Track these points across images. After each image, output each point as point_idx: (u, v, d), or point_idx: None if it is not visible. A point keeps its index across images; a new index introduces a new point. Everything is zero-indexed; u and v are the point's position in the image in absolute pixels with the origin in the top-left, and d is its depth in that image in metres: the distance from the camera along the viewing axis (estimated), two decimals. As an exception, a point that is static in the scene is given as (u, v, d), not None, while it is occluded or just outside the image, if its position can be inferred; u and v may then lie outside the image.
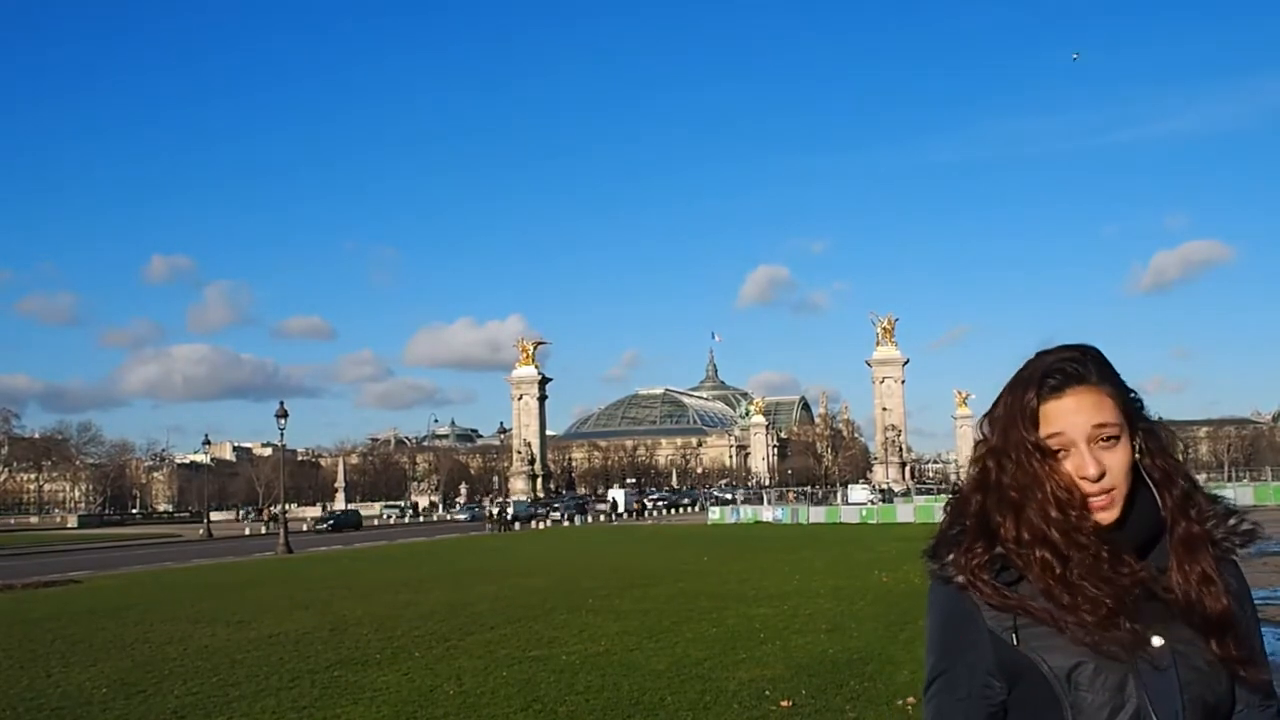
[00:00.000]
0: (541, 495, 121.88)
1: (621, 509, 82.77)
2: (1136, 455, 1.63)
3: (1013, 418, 1.64)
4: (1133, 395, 1.67)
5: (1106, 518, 1.59)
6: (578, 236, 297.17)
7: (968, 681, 1.61)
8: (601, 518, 78.11)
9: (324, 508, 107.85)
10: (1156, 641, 1.56)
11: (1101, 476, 1.58)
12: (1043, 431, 1.61)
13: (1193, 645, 1.57)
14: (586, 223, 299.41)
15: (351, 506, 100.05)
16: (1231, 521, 1.67)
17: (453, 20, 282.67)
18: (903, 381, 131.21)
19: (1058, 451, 1.61)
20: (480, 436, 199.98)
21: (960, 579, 1.63)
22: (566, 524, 69.29)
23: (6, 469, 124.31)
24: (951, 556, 1.66)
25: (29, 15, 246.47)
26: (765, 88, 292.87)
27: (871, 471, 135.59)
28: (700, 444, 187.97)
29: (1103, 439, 1.59)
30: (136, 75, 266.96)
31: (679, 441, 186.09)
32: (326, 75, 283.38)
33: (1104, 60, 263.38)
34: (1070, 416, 1.60)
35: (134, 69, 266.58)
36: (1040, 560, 1.58)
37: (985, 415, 1.73)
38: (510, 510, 73.05)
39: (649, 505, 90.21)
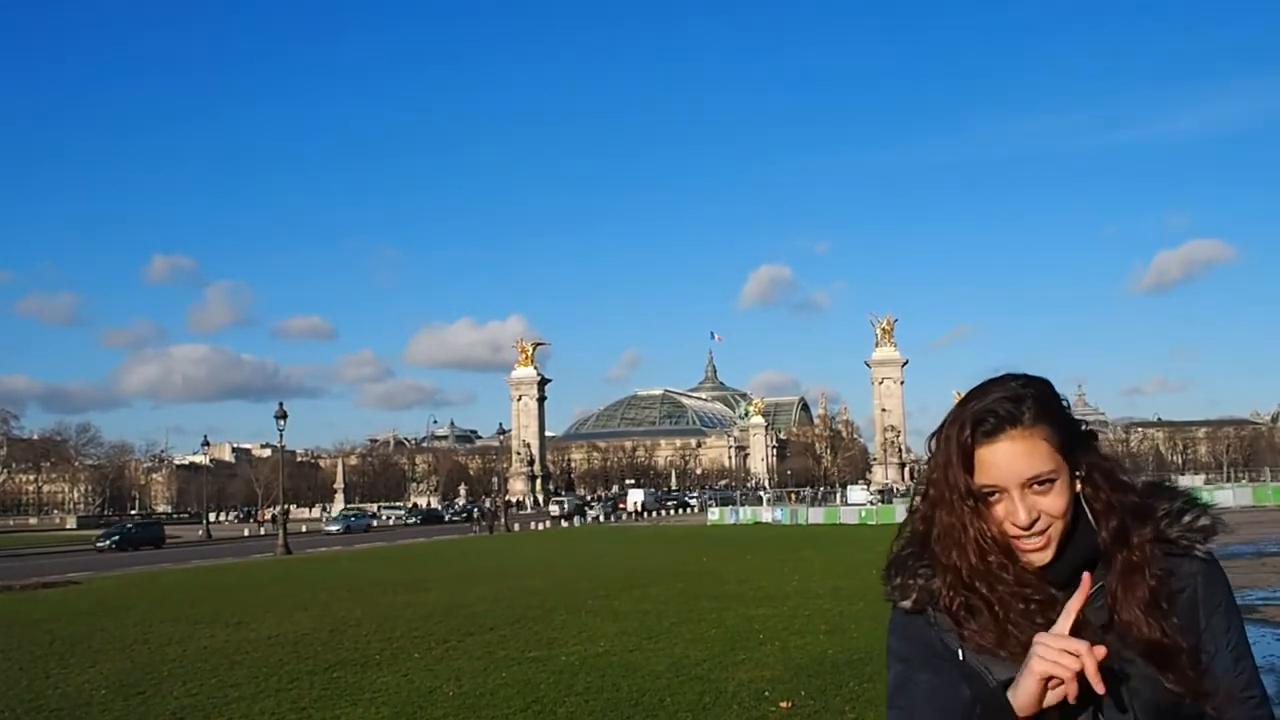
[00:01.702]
0: (541, 496, 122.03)
1: (642, 509, 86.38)
2: (1078, 489, 1.62)
3: (948, 459, 1.63)
4: (1084, 428, 1.65)
5: (1040, 558, 1.59)
6: (579, 237, 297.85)
7: (931, 660, 1.63)
8: (625, 517, 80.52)
9: (324, 509, 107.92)
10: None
11: (1034, 522, 1.57)
12: (977, 478, 1.60)
13: (1142, 665, 1.55)
14: (588, 223, 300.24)
15: (354, 507, 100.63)
16: (1186, 518, 1.63)
17: (455, 22, 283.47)
18: (902, 382, 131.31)
19: (991, 494, 1.60)
20: (479, 437, 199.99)
21: (906, 604, 1.68)
22: (565, 524, 69.31)
23: (5, 470, 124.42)
24: (898, 581, 1.70)
25: (30, 16, 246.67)
26: (767, 88, 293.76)
27: (871, 472, 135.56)
28: (699, 445, 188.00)
29: (1038, 486, 1.58)
30: (137, 76, 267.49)
31: (678, 442, 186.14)
32: (328, 76, 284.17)
33: (1104, 60, 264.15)
34: (1003, 463, 1.58)
35: (134, 69, 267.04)
36: (970, 603, 1.60)
37: (931, 436, 1.71)
38: (565, 507, 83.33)
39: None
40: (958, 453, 1.61)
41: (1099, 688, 1.42)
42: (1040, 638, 1.46)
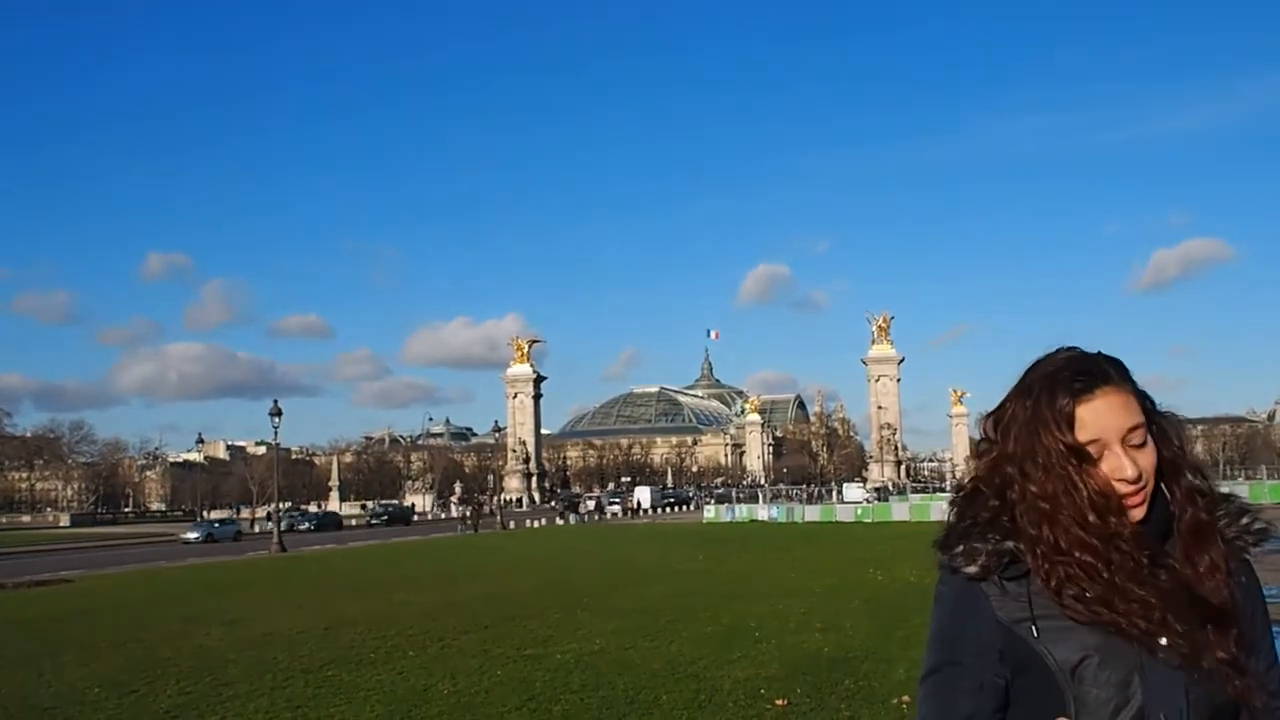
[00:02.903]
0: (537, 494, 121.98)
1: (648, 506, 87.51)
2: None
3: (1043, 422, 1.60)
4: (1151, 402, 1.66)
5: (1139, 514, 1.59)
6: (577, 235, 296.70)
7: (979, 672, 1.59)
8: (614, 516, 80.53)
9: (318, 507, 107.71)
10: (1163, 640, 1.54)
11: (1139, 478, 1.57)
12: (1077, 435, 1.59)
13: (1200, 644, 1.54)
14: (586, 221, 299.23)
15: (331, 508, 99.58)
16: (1244, 520, 1.65)
17: (450, 19, 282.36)
18: (898, 380, 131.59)
19: (1093, 455, 1.59)
20: (475, 435, 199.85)
21: (971, 570, 1.62)
22: (560, 522, 69.32)
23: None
24: (962, 548, 1.64)
25: (26, 13, 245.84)
26: (768, 86, 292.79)
27: (867, 470, 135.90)
28: (695, 443, 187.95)
29: (1135, 444, 1.58)
30: (134, 73, 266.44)
31: (674, 440, 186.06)
32: (324, 73, 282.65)
33: (1103, 59, 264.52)
34: (1104, 418, 1.58)
35: (131, 67, 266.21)
36: (1083, 565, 1.56)
37: (991, 416, 1.70)
38: (592, 504, 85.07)
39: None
40: (1055, 413, 1.60)
41: None
42: None
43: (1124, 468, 1.57)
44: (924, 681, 1.64)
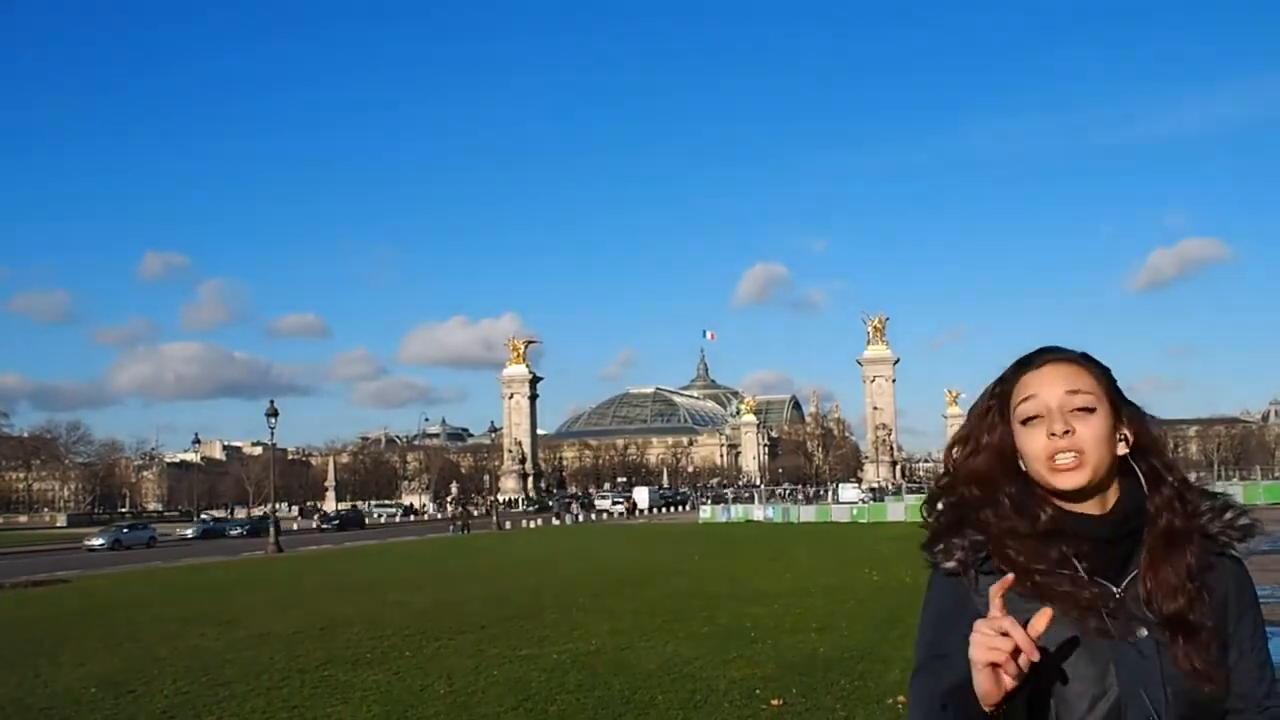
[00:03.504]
0: (533, 494, 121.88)
1: (645, 506, 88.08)
2: (1124, 449, 1.63)
3: (987, 400, 1.69)
4: (1118, 388, 1.68)
5: (1072, 480, 1.58)
6: (574, 235, 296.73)
7: (964, 666, 1.60)
8: (607, 516, 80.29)
9: (315, 507, 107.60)
10: (1141, 632, 1.56)
11: (1069, 433, 1.58)
12: (1018, 396, 1.64)
13: (1169, 643, 1.56)
14: (583, 221, 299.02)
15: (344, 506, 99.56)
16: (1228, 515, 1.65)
17: (448, 18, 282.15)
18: (893, 380, 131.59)
19: (1030, 419, 1.62)
20: (471, 435, 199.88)
21: (949, 565, 1.65)
22: (557, 522, 69.31)
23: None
24: (941, 545, 1.68)
25: (25, 12, 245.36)
26: (767, 86, 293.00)
27: (862, 470, 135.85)
28: (691, 443, 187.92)
29: (1077, 407, 1.60)
30: (132, 72, 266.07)
31: (670, 440, 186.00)
32: (321, 74, 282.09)
33: (1101, 59, 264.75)
34: (1046, 383, 1.62)
35: (129, 66, 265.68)
36: (1008, 560, 1.60)
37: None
38: (630, 503, 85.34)
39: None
40: (993, 389, 1.69)
41: (1032, 655, 1.40)
42: (976, 624, 1.45)
43: (1054, 423, 1.59)
44: (914, 677, 1.67)
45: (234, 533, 67.42)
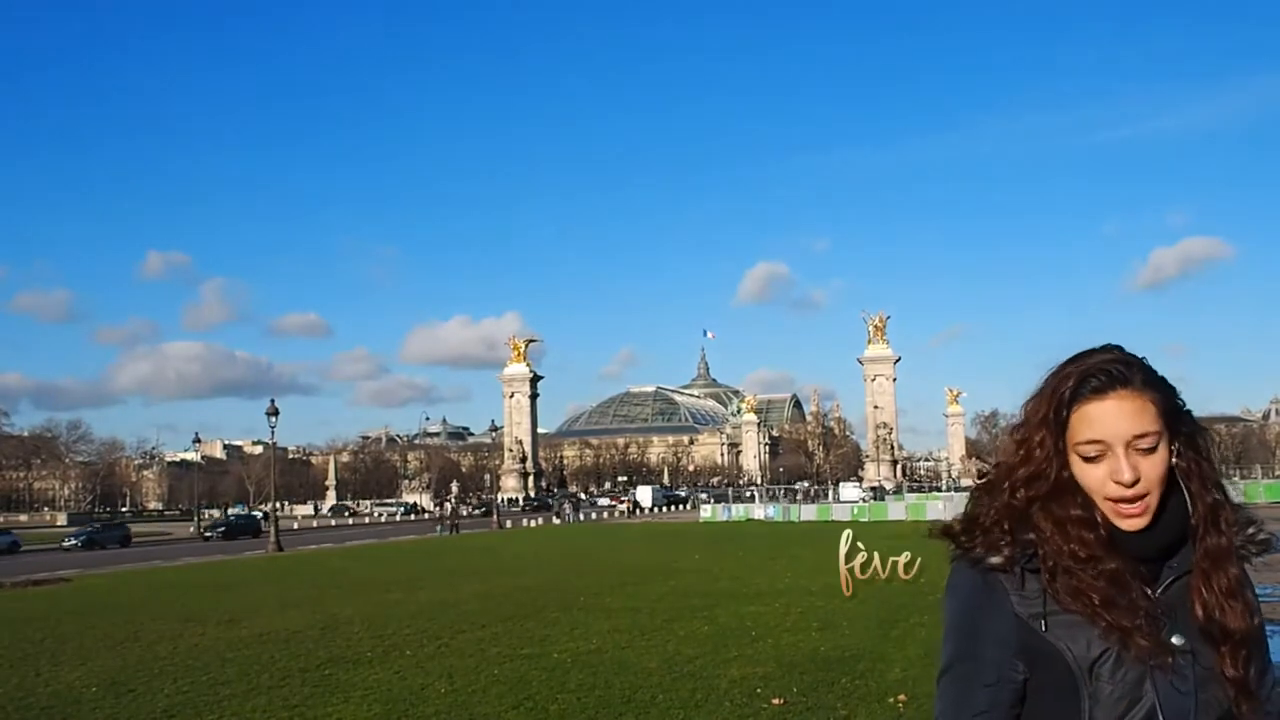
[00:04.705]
0: (533, 493, 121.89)
1: (648, 505, 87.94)
2: (1174, 460, 1.61)
3: (1045, 418, 1.63)
4: (1179, 401, 1.64)
5: (1136, 524, 1.59)
6: (575, 234, 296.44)
7: (996, 668, 1.60)
8: (606, 515, 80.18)
9: (315, 507, 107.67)
10: (1177, 640, 1.56)
11: (1136, 483, 1.57)
12: (1081, 434, 1.59)
13: (1206, 650, 1.57)
14: (584, 220, 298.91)
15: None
16: (1250, 530, 1.66)
17: (450, 20, 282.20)
18: (894, 379, 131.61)
19: (1093, 456, 1.59)
20: (472, 434, 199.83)
21: (995, 560, 1.63)
22: (557, 521, 69.31)
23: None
24: (981, 538, 1.65)
25: (25, 12, 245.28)
26: (767, 86, 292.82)
27: (863, 469, 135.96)
28: (692, 442, 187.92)
29: (1141, 449, 1.57)
30: (132, 72, 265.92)
31: (670, 439, 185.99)
32: (323, 74, 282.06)
33: (1102, 57, 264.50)
34: (1110, 418, 1.58)
35: (129, 66, 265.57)
36: (1064, 565, 1.59)
37: (1023, 406, 1.71)
38: (644, 500, 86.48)
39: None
40: (1053, 406, 1.62)
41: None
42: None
43: (1121, 470, 1.56)
44: (942, 675, 1.65)
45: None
